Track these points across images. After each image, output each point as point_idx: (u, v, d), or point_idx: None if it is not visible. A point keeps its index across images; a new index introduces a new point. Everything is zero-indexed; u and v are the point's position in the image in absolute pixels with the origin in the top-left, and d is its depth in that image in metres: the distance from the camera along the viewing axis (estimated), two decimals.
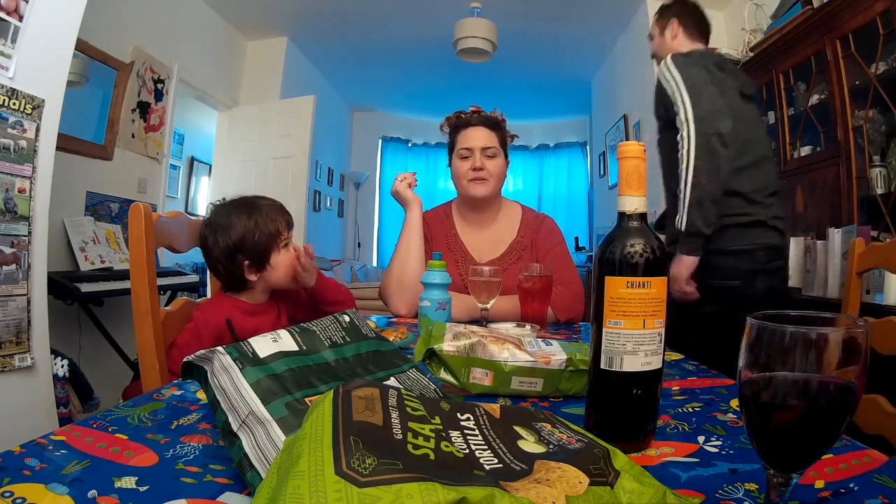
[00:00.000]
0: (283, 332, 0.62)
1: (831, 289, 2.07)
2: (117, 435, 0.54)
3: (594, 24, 4.00)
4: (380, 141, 6.83)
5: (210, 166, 4.71)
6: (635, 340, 0.53)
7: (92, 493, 0.41)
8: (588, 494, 0.35)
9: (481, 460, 0.37)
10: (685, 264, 1.56)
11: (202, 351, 0.61)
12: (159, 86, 3.19)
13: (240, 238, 1.14)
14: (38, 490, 0.41)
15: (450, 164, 1.53)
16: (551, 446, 0.42)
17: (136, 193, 3.07)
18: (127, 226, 1.08)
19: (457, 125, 1.49)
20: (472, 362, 0.70)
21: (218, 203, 1.23)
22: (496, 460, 0.38)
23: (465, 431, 0.41)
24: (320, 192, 5.27)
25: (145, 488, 0.43)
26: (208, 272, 1.29)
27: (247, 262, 1.15)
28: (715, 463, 0.50)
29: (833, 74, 2.18)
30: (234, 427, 0.48)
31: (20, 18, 1.62)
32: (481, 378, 0.70)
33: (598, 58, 4.66)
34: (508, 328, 1.02)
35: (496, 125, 1.47)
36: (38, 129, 1.70)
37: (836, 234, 2.07)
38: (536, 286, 1.20)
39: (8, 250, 1.63)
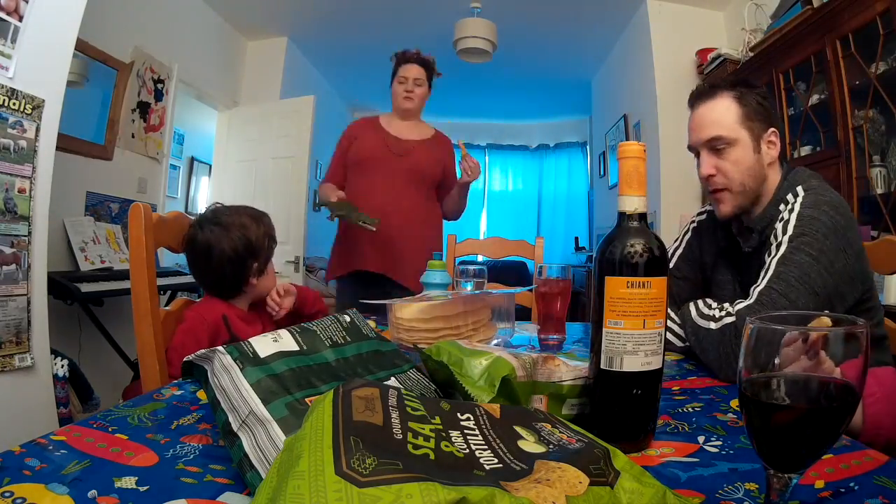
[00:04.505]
0: (284, 332, 0.63)
1: None
2: (117, 435, 0.54)
3: (594, 24, 3.99)
4: None
5: (210, 166, 4.71)
6: (635, 340, 0.53)
7: (92, 493, 0.41)
8: (588, 494, 0.35)
9: (481, 460, 0.37)
10: None
11: (202, 350, 0.61)
12: (159, 86, 3.18)
13: (257, 241, 1.15)
14: (38, 490, 0.41)
15: (391, 86, 2.10)
16: (551, 446, 0.42)
17: (136, 193, 3.07)
18: (127, 226, 1.08)
19: (400, 60, 2.07)
20: (535, 388, 0.58)
21: (217, 205, 1.22)
22: (496, 460, 0.38)
23: (466, 431, 0.41)
24: None
25: (145, 488, 0.43)
26: None
27: (255, 264, 1.16)
28: (715, 463, 0.50)
29: (833, 74, 2.18)
30: (235, 427, 0.48)
31: (20, 18, 1.62)
32: (537, 405, 0.59)
33: (598, 58, 4.66)
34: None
35: (426, 64, 2.05)
36: (38, 129, 1.70)
37: None
38: (553, 290, 1.19)
39: (8, 250, 1.63)
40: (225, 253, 1.12)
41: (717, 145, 1.03)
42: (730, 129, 1.02)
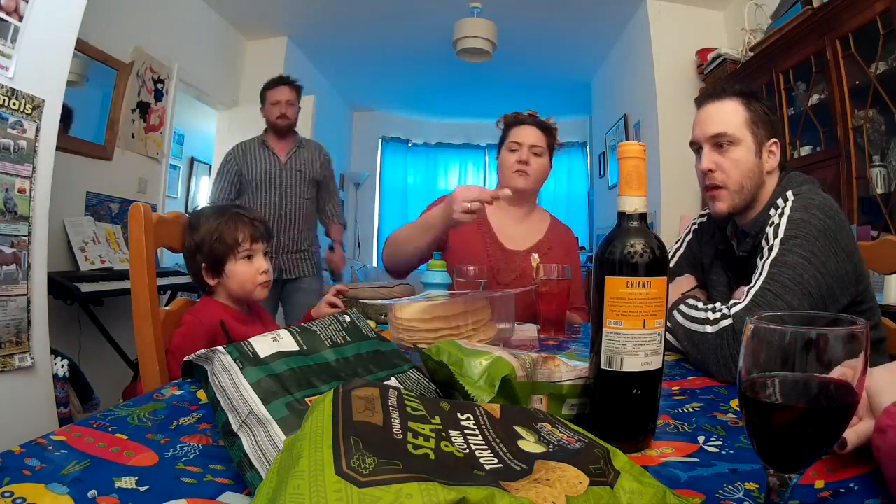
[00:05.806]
0: (284, 332, 0.63)
1: None
2: (117, 435, 0.54)
3: (594, 24, 4.00)
4: (380, 141, 6.82)
5: (210, 166, 4.71)
6: (635, 340, 0.52)
7: (92, 493, 0.41)
8: (588, 494, 0.35)
9: (481, 460, 0.37)
10: None
11: (203, 350, 0.61)
12: (159, 86, 3.18)
13: (200, 240, 1.17)
14: (38, 490, 0.41)
15: (498, 157, 1.63)
16: (551, 446, 0.42)
17: (136, 193, 3.07)
18: (127, 226, 1.08)
19: (512, 122, 1.59)
20: (535, 388, 0.58)
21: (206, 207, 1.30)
22: (496, 460, 0.38)
23: (465, 431, 0.41)
24: None
25: (145, 488, 0.43)
26: None
27: (203, 264, 1.17)
28: (715, 463, 0.50)
29: (833, 74, 2.18)
30: (235, 427, 0.48)
31: (20, 18, 1.62)
32: (537, 405, 0.59)
33: (598, 58, 4.66)
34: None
35: (547, 129, 1.58)
36: (38, 129, 1.70)
37: None
38: (554, 290, 1.19)
39: (8, 250, 1.63)
40: (182, 253, 1.20)
41: (720, 141, 1.04)
42: (736, 129, 1.04)
